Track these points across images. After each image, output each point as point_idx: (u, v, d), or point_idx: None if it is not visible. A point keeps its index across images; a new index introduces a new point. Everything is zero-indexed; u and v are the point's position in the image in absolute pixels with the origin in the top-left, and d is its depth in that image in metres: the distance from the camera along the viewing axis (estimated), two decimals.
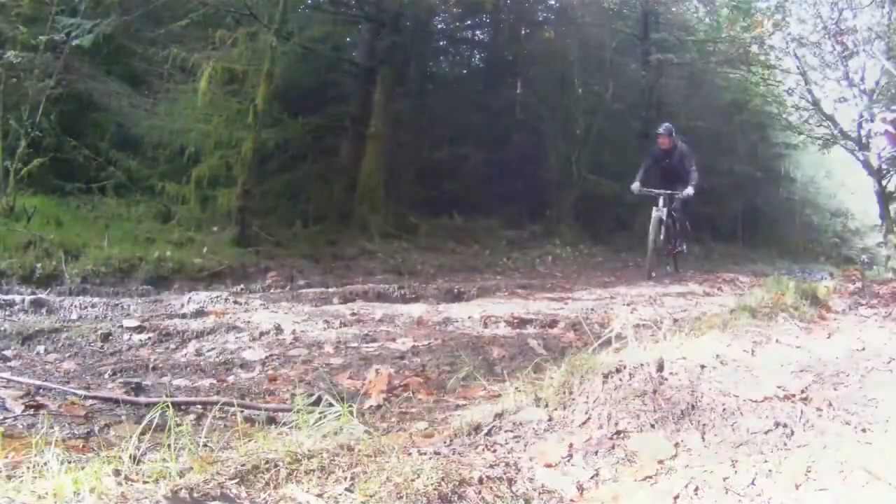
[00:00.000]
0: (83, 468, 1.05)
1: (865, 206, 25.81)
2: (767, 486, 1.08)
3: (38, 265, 4.48)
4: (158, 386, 2.16)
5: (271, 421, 1.77)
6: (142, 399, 1.92)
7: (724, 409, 1.35)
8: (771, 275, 8.27)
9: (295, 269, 5.83)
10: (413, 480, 1.03)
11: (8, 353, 2.58)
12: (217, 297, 4.14)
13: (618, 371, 1.49)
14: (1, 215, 5.38)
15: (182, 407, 1.85)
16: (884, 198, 15.03)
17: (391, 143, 10.29)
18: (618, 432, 1.31)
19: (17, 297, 3.60)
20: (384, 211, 9.48)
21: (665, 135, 7.66)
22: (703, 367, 1.61)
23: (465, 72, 15.47)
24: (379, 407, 1.91)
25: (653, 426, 1.32)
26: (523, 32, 14.15)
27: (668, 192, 7.30)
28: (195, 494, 0.97)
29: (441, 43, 14.83)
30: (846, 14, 13.52)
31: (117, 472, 1.04)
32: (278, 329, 3.07)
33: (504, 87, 14.17)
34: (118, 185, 7.67)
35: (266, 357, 2.60)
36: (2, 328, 2.83)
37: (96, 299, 3.86)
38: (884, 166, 15.43)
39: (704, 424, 1.32)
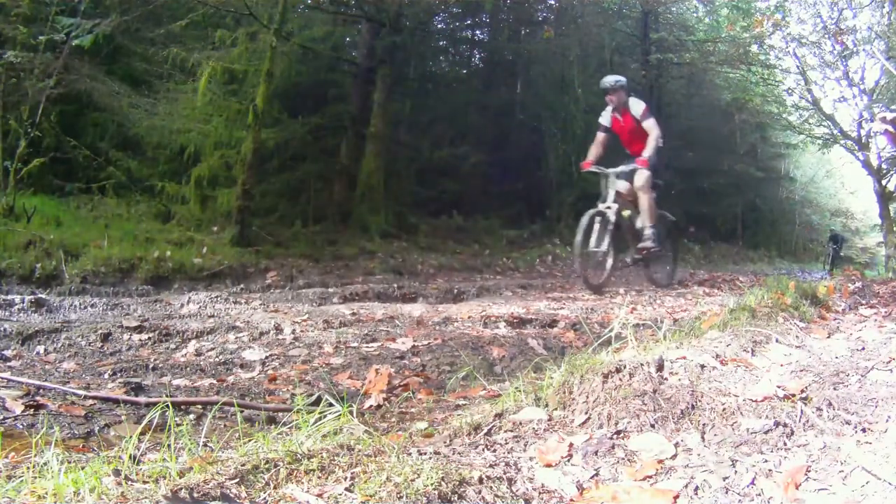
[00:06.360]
0: (83, 468, 1.05)
1: (865, 206, 25.89)
2: (767, 486, 1.08)
3: (38, 265, 4.48)
4: (158, 386, 2.16)
5: (271, 421, 1.77)
6: (142, 399, 1.92)
7: (724, 409, 1.35)
8: (771, 275, 8.28)
9: (295, 269, 5.83)
10: (413, 480, 1.03)
11: (8, 353, 2.58)
12: (217, 297, 4.14)
13: (618, 371, 1.49)
14: (1, 215, 5.38)
15: (182, 407, 1.85)
16: (884, 198, 15.05)
17: (391, 143, 10.30)
18: (618, 432, 1.31)
19: (17, 297, 3.60)
20: (384, 211, 9.49)
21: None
22: (703, 367, 1.61)
23: (465, 72, 15.49)
24: (379, 407, 1.92)
25: (653, 426, 1.32)
26: (523, 32, 14.17)
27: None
28: (195, 494, 0.97)
29: (441, 43, 14.85)
30: (846, 14, 13.53)
31: (117, 472, 1.04)
32: (278, 329, 3.08)
33: (504, 87, 14.18)
34: (118, 185, 7.69)
35: (266, 357, 2.61)
36: (2, 328, 2.83)
37: (96, 299, 3.86)
38: (884, 166, 15.45)
39: (704, 424, 1.32)
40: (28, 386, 1.99)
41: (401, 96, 11.13)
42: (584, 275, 5.25)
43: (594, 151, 5.95)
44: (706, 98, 18.41)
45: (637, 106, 5.78)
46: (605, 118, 5.97)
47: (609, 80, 5.89)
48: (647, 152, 5.57)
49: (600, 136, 5.99)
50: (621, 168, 5.67)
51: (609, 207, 5.47)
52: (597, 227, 5.36)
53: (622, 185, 5.62)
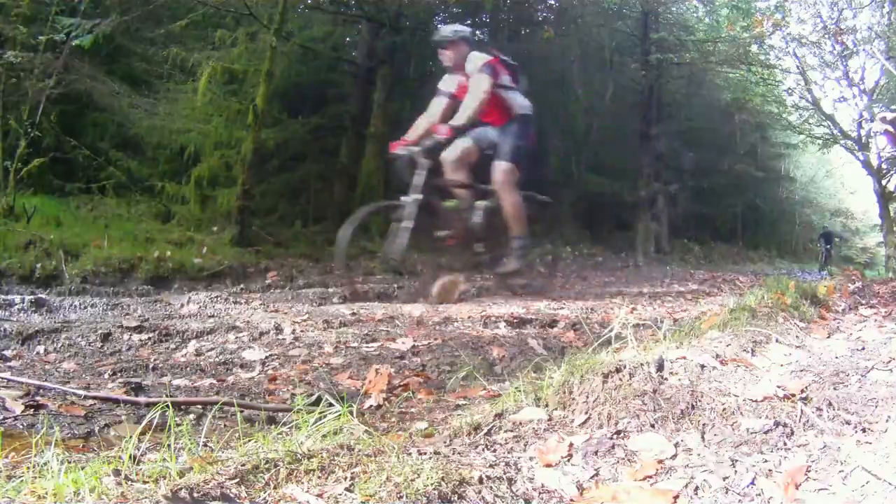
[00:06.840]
0: (83, 468, 1.05)
1: (865, 206, 25.92)
2: (767, 486, 1.08)
3: (38, 265, 4.48)
4: (158, 386, 2.16)
5: (271, 421, 1.77)
6: (142, 399, 1.92)
7: (724, 409, 1.35)
8: (771, 275, 8.28)
9: (295, 269, 5.83)
10: (413, 480, 1.03)
11: (8, 353, 2.58)
12: (217, 297, 4.14)
13: (618, 371, 1.49)
14: (1, 215, 5.38)
15: (182, 407, 1.85)
16: (884, 198, 15.06)
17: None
18: (618, 432, 1.31)
19: (17, 297, 3.60)
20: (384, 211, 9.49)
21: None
22: (703, 367, 1.61)
23: None
24: (379, 407, 1.91)
25: (653, 426, 1.32)
26: (523, 32, 14.18)
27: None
28: (195, 494, 0.97)
29: None
30: (846, 14, 13.54)
31: (117, 472, 1.04)
32: (278, 329, 3.08)
33: None
34: (118, 185, 7.70)
35: (266, 357, 2.60)
36: (2, 328, 2.83)
37: (96, 299, 3.86)
38: (884, 166, 15.46)
39: (704, 424, 1.32)
40: (28, 386, 1.99)
41: (401, 96, 11.14)
42: (348, 281, 4.44)
43: (422, 125, 4.37)
44: (706, 98, 18.43)
45: (475, 60, 4.24)
46: (448, 82, 4.44)
47: (446, 30, 4.48)
48: (458, 119, 4.09)
49: (437, 103, 4.39)
50: (447, 142, 4.24)
51: (417, 199, 4.13)
52: (398, 226, 4.17)
53: (428, 164, 4.23)
